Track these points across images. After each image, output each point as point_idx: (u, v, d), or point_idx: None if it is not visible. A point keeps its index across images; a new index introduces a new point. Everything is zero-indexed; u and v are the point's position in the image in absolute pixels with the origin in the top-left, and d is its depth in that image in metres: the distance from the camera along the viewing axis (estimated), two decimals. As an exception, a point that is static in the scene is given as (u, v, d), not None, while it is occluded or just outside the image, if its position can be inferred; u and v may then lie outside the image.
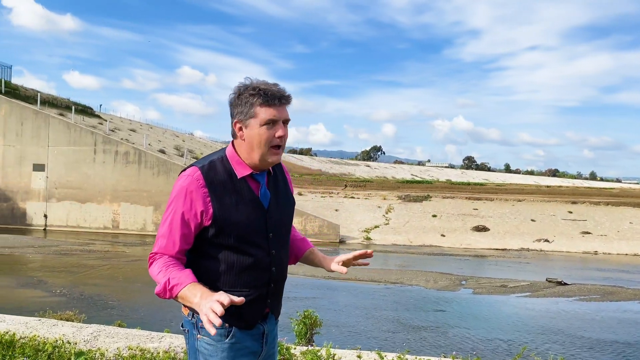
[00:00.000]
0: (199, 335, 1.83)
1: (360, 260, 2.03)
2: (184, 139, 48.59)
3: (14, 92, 27.54)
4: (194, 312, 1.81)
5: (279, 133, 1.80)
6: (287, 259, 2.00)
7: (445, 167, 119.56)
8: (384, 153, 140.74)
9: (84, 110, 33.17)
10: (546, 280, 14.93)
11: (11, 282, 12.73)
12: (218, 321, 1.48)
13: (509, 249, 21.80)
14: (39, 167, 23.60)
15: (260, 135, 1.79)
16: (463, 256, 19.98)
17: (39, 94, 27.80)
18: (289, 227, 2.01)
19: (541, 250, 21.81)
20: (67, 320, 4.39)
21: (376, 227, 24.34)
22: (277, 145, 1.82)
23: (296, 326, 5.64)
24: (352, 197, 29.03)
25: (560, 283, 14.56)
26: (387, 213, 26.43)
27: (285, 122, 1.83)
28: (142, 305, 10.99)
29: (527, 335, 9.65)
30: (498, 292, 13.42)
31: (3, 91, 26.21)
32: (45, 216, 23.59)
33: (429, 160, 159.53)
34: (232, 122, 1.85)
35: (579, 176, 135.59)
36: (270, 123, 1.79)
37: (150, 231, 22.82)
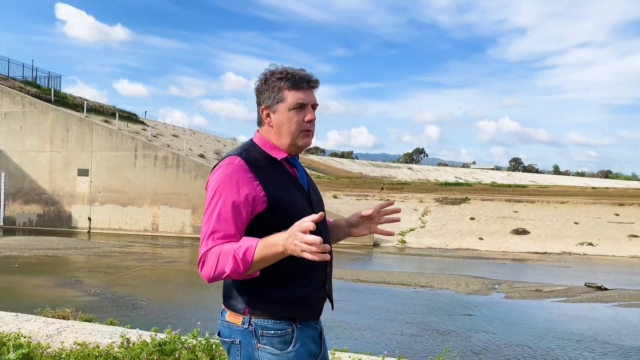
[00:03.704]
0: (259, 345, 1.68)
1: (390, 216, 1.94)
2: (225, 144, 49.51)
3: (63, 101, 28.85)
4: (249, 319, 1.70)
5: (309, 117, 1.76)
6: (331, 243, 1.93)
7: (491, 169, 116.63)
8: (427, 155, 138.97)
9: (129, 117, 34.35)
10: (585, 285, 14.33)
11: (50, 282, 13.29)
12: (321, 248, 1.44)
13: (550, 253, 21.05)
14: (83, 172, 24.58)
15: (289, 119, 1.75)
16: (501, 260, 19.44)
17: (85, 102, 28.99)
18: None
19: (584, 254, 20.95)
20: (64, 318, 4.55)
21: (412, 230, 24.03)
22: (307, 129, 1.78)
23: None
24: (388, 200, 28.75)
25: (599, 288, 13.94)
26: (423, 216, 26.06)
27: (314, 106, 1.79)
28: (170, 305, 11.25)
29: (556, 341, 9.28)
30: (531, 297, 12.98)
31: (52, 100, 27.50)
32: (89, 219, 24.53)
33: (474, 163, 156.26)
34: (258, 110, 1.80)
35: (634, 177, 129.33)
36: (299, 107, 1.75)
37: (188, 233, 23.35)
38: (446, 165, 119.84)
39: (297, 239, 1.45)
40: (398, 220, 1.96)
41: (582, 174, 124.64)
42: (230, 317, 1.75)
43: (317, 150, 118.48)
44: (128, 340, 3.06)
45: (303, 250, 1.45)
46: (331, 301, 1.93)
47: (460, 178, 65.57)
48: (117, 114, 29.64)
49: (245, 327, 1.70)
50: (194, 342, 3.16)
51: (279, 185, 1.73)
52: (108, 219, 24.36)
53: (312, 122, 1.77)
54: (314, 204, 1.83)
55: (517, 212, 25.99)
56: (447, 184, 32.50)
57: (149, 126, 33.23)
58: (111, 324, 4.30)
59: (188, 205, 23.47)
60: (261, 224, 1.68)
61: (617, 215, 25.15)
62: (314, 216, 1.47)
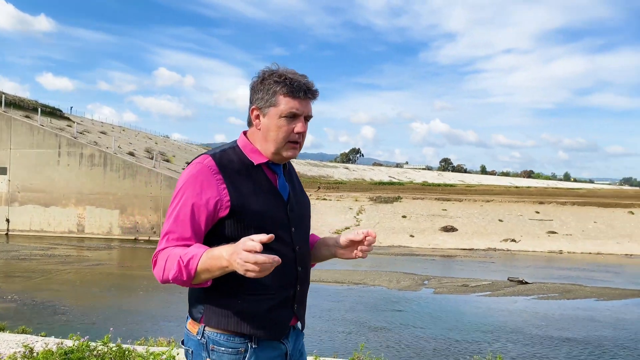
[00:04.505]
0: (207, 359, 1.61)
1: (364, 247, 1.78)
2: (157, 142, 48.03)
3: (-23, 94, 26.96)
4: (203, 330, 1.61)
5: (298, 129, 1.65)
6: (310, 259, 1.81)
7: (423, 169, 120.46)
8: (363, 155, 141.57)
9: (53, 113, 32.65)
10: (508, 279, 15.08)
11: (-39, 289, 12.37)
12: (258, 267, 1.33)
13: (476, 249, 22.00)
14: (1, 171, 23.07)
15: (278, 127, 1.63)
16: (430, 256, 20.09)
17: (3, 96, 27.22)
18: (309, 224, 1.83)
19: (508, 250, 22.06)
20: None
21: (347, 228, 24.33)
22: (295, 141, 1.66)
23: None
24: (324, 199, 29.02)
25: (521, 282, 14.71)
26: (358, 214, 26.48)
27: (307, 118, 1.68)
28: (94, 310, 10.76)
29: (481, 333, 9.69)
30: (458, 292, 13.49)
31: (-35, 93, 25.64)
32: (8, 220, 23.05)
33: (407, 162, 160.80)
34: (249, 108, 1.69)
35: (553, 177, 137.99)
36: (291, 116, 1.63)
37: (117, 235, 22.47)
38: (381, 165, 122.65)
39: (241, 257, 1.37)
40: (364, 256, 1.83)
41: (507, 174, 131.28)
42: (189, 325, 1.67)
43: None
44: (31, 350, 2.86)
45: (247, 270, 1.36)
46: (301, 322, 1.78)
47: (394, 177, 67.25)
48: (40, 109, 28.06)
49: (198, 338, 1.62)
50: (105, 349, 2.99)
51: (249, 192, 1.61)
52: (29, 220, 22.99)
53: (301, 134, 1.67)
54: (292, 214, 1.70)
55: (446, 210, 26.95)
56: (381, 183, 33.22)
57: (74, 122, 31.69)
58: (23, 332, 4.02)
59: (116, 206, 22.58)
60: (222, 230, 1.59)
61: (537, 212, 26.66)
62: (263, 237, 1.37)
